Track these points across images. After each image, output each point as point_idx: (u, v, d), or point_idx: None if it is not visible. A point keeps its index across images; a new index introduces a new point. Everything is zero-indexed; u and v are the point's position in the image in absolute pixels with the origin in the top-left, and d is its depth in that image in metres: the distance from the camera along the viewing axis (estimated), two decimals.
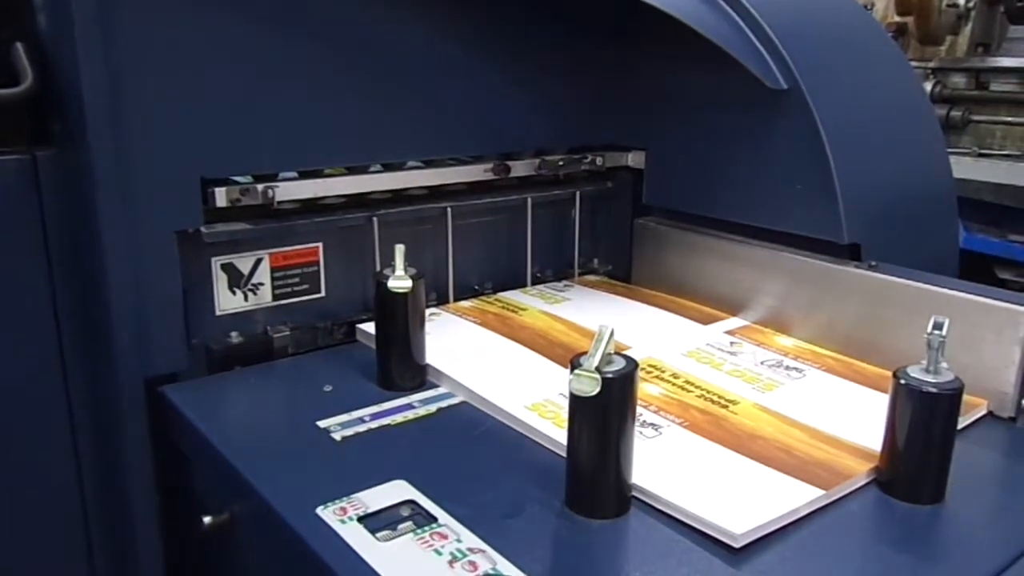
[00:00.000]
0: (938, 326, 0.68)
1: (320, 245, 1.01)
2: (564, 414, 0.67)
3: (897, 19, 2.66)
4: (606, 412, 0.64)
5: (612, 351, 0.64)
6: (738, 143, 1.06)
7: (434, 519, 0.64)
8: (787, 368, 0.94)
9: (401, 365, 0.88)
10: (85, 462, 0.88)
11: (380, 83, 0.99)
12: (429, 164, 1.08)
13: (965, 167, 2.28)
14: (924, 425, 0.68)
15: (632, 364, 0.64)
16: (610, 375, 0.62)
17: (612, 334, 0.63)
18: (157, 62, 0.82)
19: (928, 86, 2.47)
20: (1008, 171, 2.28)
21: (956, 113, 2.47)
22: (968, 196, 2.19)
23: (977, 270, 2.12)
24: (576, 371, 0.62)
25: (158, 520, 0.88)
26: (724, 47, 0.95)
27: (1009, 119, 2.44)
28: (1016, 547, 0.63)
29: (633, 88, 1.19)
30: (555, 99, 1.16)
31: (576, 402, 0.64)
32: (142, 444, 0.85)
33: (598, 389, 0.62)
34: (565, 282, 1.24)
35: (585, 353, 0.63)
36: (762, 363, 0.95)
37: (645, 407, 0.83)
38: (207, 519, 0.77)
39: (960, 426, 0.76)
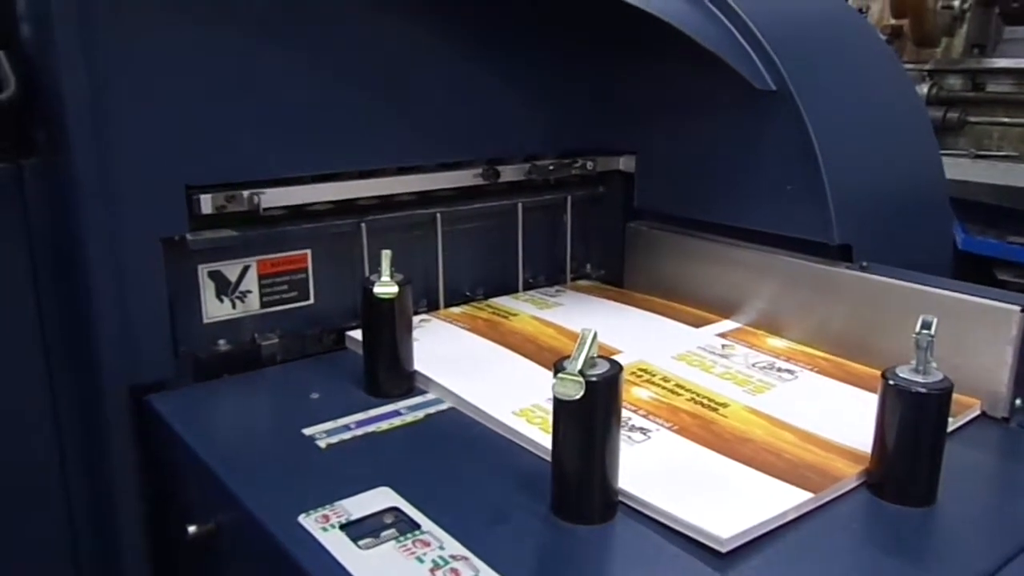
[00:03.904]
0: (926, 325, 0.67)
1: (308, 252, 1.00)
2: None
3: (893, 22, 2.66)
4: (590, 416, 0.63)
5: (596, 354, 0.63)
6: (728, 146, 1.06)
7: (417, 526, 0.63)
8: (779, 370, 0.93)
9: (388, 372, 0.87)
10: (71, 471, 0.87)
11: (368, 88, 0.98)
12: (418, 169, 1.07)
13: (963, 169, 2.26)
14: (913, 426, 0.67)
15: (616, 367, 0.64)
16: (594, 378, 0.62)
17: (595, 337, 0.62)
18: (140, 68, 0.82)
19: (924, 88, 2.46)
20: (1006, 172, 2.27)
21: (952, 115, 2.46)
22: (966, 198, 2.18)
23: (977, 272, 2.11)
24: (559, 375, 0.61)
25: (144, 529, 0.87)
26: (712, 49, 0.94)
27: (1006, 120, 2.43)
28: (1008, 550, 0.62)
29: (623, 92, 1.19)
30: (545, 103, 1.15)
31: (560, 406, 0.63)
32: (128, 453, 0.85)
33: (582, 392, 0.61)
34: (557, 287, 1.23)
35: (569, 357, 0.63)
36: (754, 365, 0.94)
37: (634, 411, 0.82)
38: (192, 528, 0.76)
39: (953, 427, 0.76)
